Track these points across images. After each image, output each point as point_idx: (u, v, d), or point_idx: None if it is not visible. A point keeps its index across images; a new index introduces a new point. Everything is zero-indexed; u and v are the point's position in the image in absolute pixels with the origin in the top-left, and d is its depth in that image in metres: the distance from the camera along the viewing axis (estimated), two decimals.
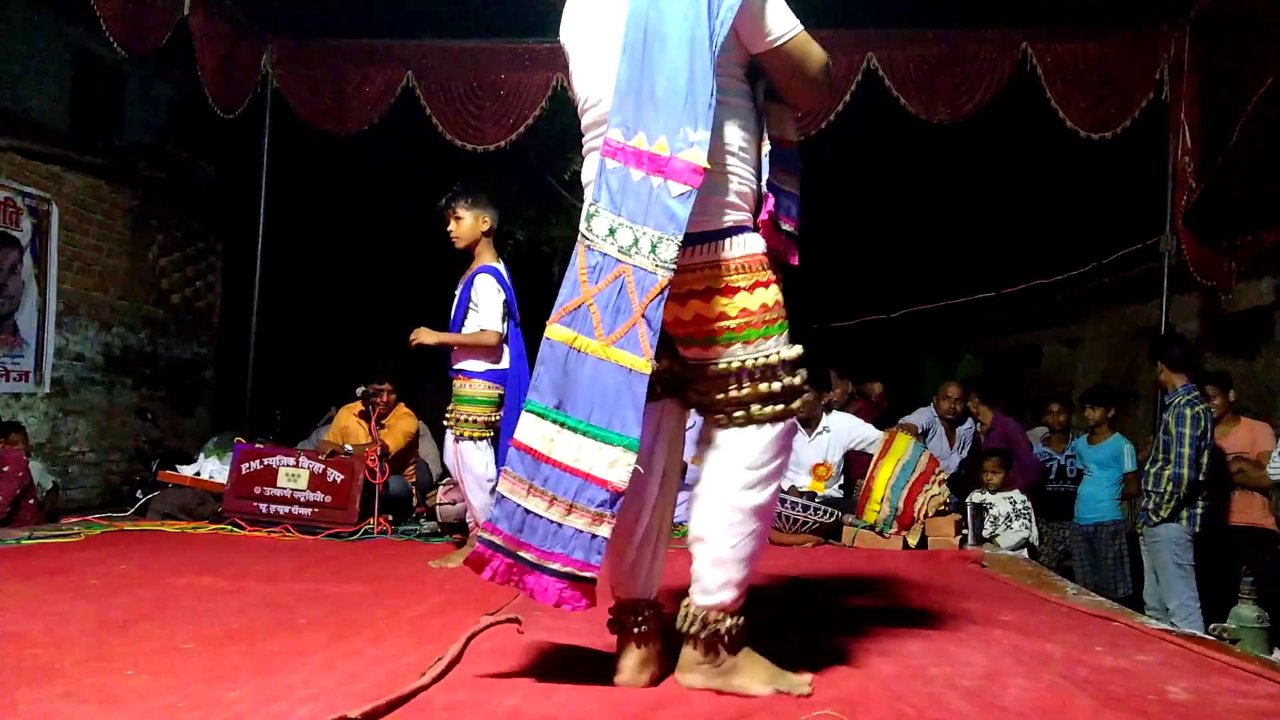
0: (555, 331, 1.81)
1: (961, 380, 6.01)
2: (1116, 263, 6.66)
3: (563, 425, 1.76)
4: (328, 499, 4.70)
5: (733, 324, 1.82)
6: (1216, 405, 4.60)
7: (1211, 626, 3.64)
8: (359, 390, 5.22)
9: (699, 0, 1.75)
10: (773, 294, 1.86)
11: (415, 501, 5.35)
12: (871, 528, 4.47)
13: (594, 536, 1.73)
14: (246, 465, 4.75)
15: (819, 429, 5.23)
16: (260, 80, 6.03)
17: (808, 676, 1.89)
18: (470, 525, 3.86)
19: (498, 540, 1.79)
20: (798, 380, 1.87)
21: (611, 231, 1.77)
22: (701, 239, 1.81)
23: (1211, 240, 5.24)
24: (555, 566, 1.75)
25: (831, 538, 4.70)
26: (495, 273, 3.76)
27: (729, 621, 1.85)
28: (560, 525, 1.74)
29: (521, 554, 1.77)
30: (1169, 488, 4.33)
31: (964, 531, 4.58)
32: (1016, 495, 5.01)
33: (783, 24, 1.83)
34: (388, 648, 2.24)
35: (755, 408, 1.84)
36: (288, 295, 7.51)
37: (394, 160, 7.92)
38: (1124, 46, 5.48)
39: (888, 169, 8.18)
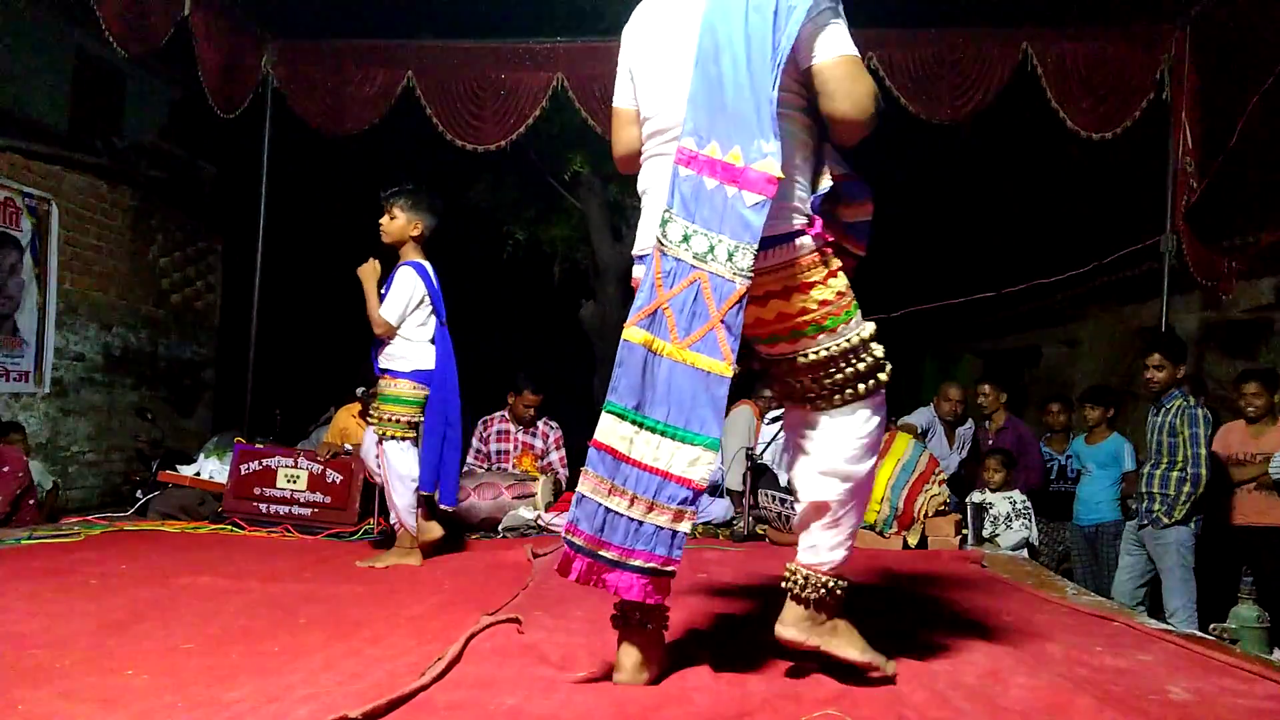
0: (633, 334, 1.84)
1: (988, 379, 6.00)
2: (1116, 263, 6.65)
3: (641, 425, 1.81)
4: (327, 499, 4.70)
5: (817, 315, 1.92)
6: (1259, 404, 4.54)
7: (1211, 626, 3.64)
8: (358, 391, 5.23)
9: (767, 15, 1.82)
10: (842, 280, 1.96)
11: None
12: (871, 528, 4.46)
13: (675, 533, 1.80)
14: (246, 466, 4.75)
15: None
16: (260, 80, 6.03)
17: (894, 662, 1.99)
18: (394, 524, 3.80)
19: (579, 541, 1.84)
20: (880, 352, 1.97)
21: (686, 238, 1.82)
22: (775, 242, 1.88)
23: (1211, 240, 5.24)
24: (637, 563, 1.81)
25: None
26: (420, 268, 3.76)
27: (835, 582, 1.96)
28: (641, 523, 1.80)
29: (602, 553, 1.83)
30: (1186, 489, 4.31)
31: (964, 531, 4.58)
32: (1016, 495, 5.01)
33: (835, 46, 1.87)
34: (388, 647, 2.24)
35: (856, 387, 1.94)
36: (288, 295, 7.51)
37: (394, 160, 7.92)
38: (1124, 46, 5.48)
39: (888, 168, 8.17)
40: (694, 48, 1.88)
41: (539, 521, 4.74)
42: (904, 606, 2.99)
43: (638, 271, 2.02)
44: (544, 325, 9.50)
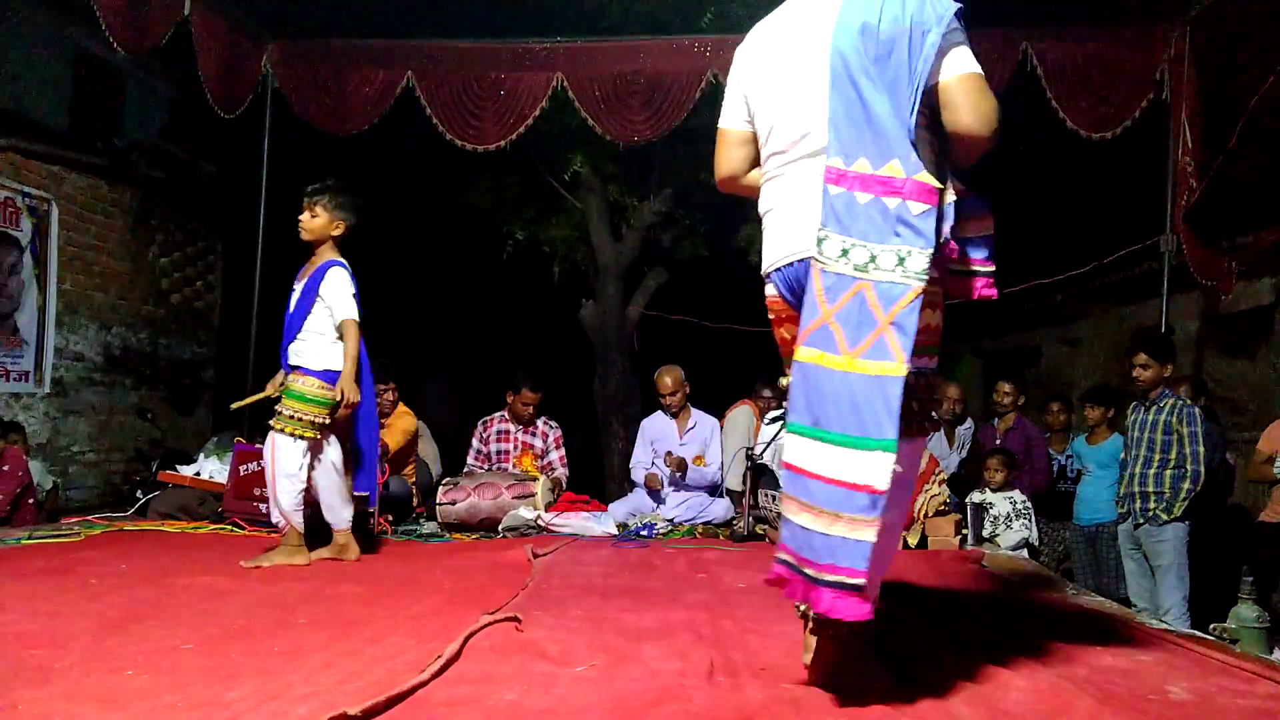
0: (802, 354, 1.89)
1: (1014, 379, 5.98)
2: (1116, 263, 6.65)
3: (820, 440, 1.84)
4: None
5: (935, 335, 2.00)
6: None
7: (1211, 626, 3.64)
8: None
9: (905, 32, 1.90)
10: (940, 314, 2.03)
11: (415, 501, 5.35)
12: None
13: (858, 542, 1.78)
14: (245, 466, 4.74)
15: None
16: (260, 80, 6.03)
17: None
18: (277, 522, 3.71)
19: (790, 559, 1.88)
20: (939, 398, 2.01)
21: (845, 252, 1.86)
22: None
23: (1211, 240, 5.24)
24: (829, 578, 1.80)
25: None
26: (346, 266, 3.76)
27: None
28: (828, 535, 1.81)
29: (806, 570, 1.84)
30: (1185, 486, 4.33)
31: (964, 531, 4.58)
32: (1017, 495, 5.01)
33: (963, 64, 1.95)
34: (387, 647, 2.24)
35: (931, 418, 2.02)
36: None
37: (394, 160, 7.92)
38: (1124, 46, 5.48)
39: None
40: (825, 72, 1.93)
41: (539, 521, 4.74)
42: (904, 607, 2.99)
43: (770, 291, 2.13)
44: (544, 325, 9.49)
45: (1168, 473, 4.37)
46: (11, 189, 6.21)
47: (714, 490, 5.43)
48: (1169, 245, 5.46)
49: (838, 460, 1.82)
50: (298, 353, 3.69)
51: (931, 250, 1.82)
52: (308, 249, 3.84)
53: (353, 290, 3.73)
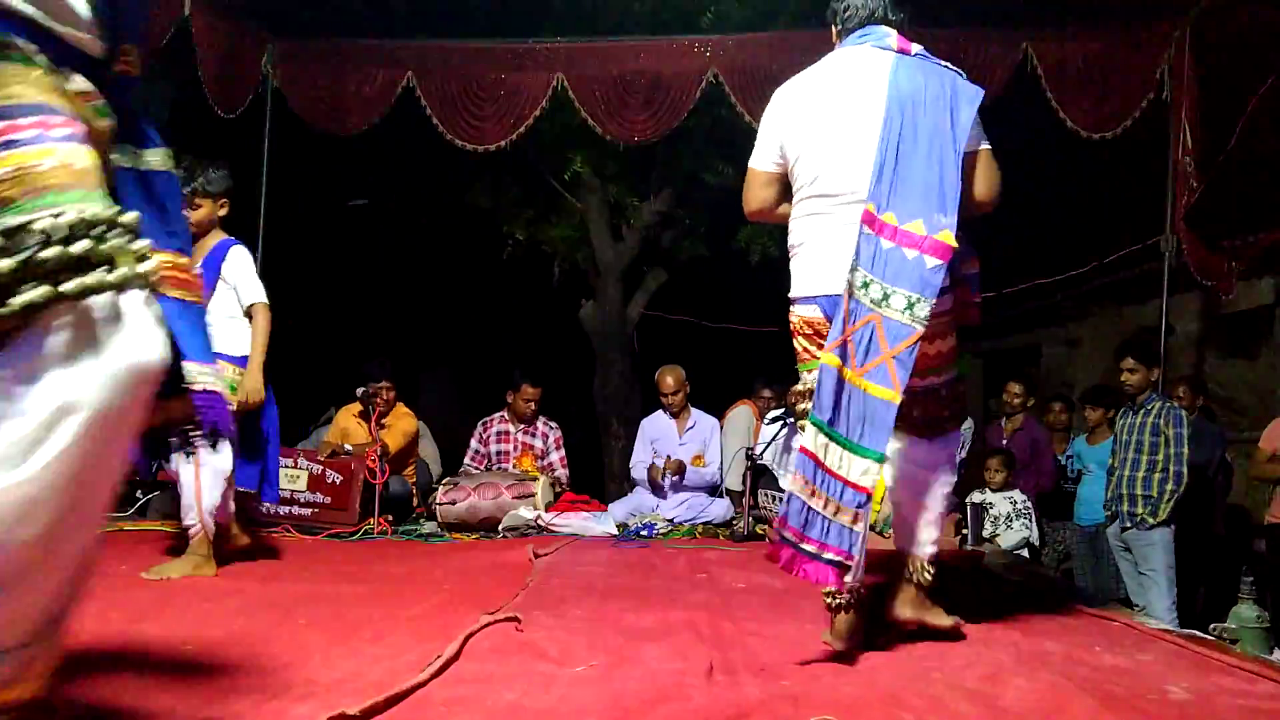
0: (828, 358, 2.21)
1: (1023, 380, 5.99)
2: (1116, 263, 6.66)
3: (831, 438, 2.18)
4: (327, 500, 4.70)
5: (950, 356, 2.47)
6: None
7: (1211, 626, 3.64)
8: (359, 391, 5.21)
9: (945, 109, 2.29)
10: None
11: (415, 501, 5.35)
12: (871, 528, 4.46)
13: (853, 531, 2.15)
14: None
15: None
16: (260, 80, 6.03)
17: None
18: (191, 526, 3.31)
19: (788, 534, 2.18)
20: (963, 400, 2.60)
21: (865, 285, 2.21)
22: (947, 290, 2.36)
23: (1211, 240, 5.24)
24: (829, 555, 2.16)
25: None
26: (243, 244, 3.58)
27: (933, 570, 2.46)
28: (831, 521, 2.16)
29: (803, 545, 2.17)
30: (1169, 488, 4.33)
31: (964, 531, 4.58)
32: (1017, 495, 5.01)
33: (983, 139, 2.42)
34: (387, 647, 2.24)
35: (960, 417, 2.56)
36: (287, 295, 7.50)
37: (394, 160, 7.92)
38: (1124, 46, 5.48)
39: None
40: (873, 128, 2.28)
41: (539, 521, 4.74)
42: None
43: (805, 311, 2.46)
44: (544, 325, 9.50)
45: (1156, 475, 4.39)
46: None
47: (714, 490, 5.43)
48: (1169, 245, 5.46)
49: (841, 458, 2.16)
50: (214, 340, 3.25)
51: (933, 302, 2.17)
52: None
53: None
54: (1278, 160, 4.39)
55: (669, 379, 5.47)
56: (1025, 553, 4.89)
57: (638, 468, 5.52)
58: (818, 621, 2.63)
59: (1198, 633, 2.81)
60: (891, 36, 2.44)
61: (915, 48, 2.42)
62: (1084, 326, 8.78)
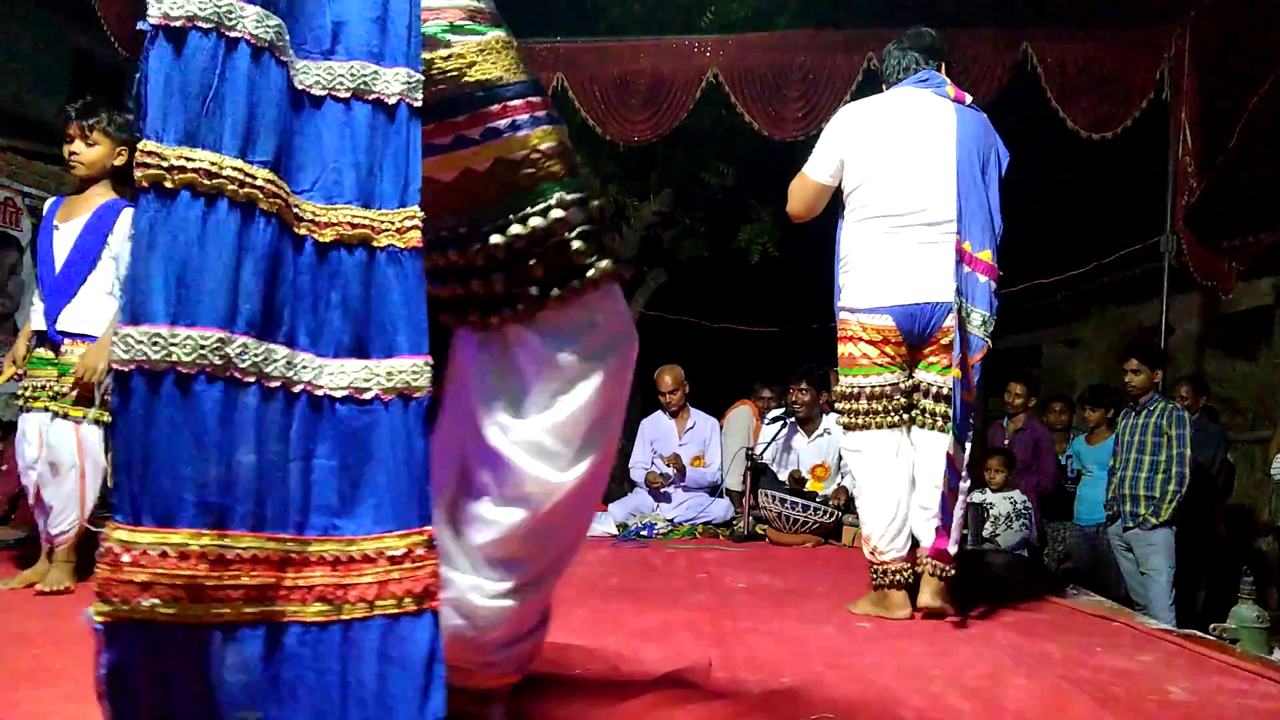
0: (952, 370, 2.72)
1: (1025, 381, 5.99)
2: (1116, 263, 6.66)
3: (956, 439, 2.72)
4: None
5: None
6: None
7: (1211, 626, 3.64)
8: None
9: (994, 158, 2.78)
10: None
11: None
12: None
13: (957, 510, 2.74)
14: None
15: (819, 430, 5.23)
16: None
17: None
18: (64, 532, 2.99)
19: (939, 524, 2.70)
20: None
21: (958, 291, 2.64)
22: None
23: (1211, 240, 5.24)
24: (947, 535, 2.70)
25: (831, 538, 4.70)
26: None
27: (950, 566, 2.70)
28: (945, 505, 2.68)
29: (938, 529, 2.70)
30: (1171, 488, 4.33)
31: (964, 531, 4.57)
32: (1017, 495, 5.00)
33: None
34: None
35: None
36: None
37: None
38: (1124, 46, 5.48)
39: None
40: (945, 166, 2.69)
41: None
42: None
43: (875, 320, 2.75)
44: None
45: (1159, 476, 4.38)
46: (11, 189, 6.21)
47: (714, 490, 5.43)
48: (1169, 245, 5.46)
49: (957, 452, 2.66)
50: (81, 318, 2.92)
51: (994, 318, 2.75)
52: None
53: None
54: (1278, 160, 4.39)
55: (667, 377, 5.47)
56: (1025, 553, 4.88)
57: (637, 468, 5.52)
58: (818, 621, 2.64)
59: (1198, 633, 2.81)
60: (948, 85, 2.82)
61: (967, 98, 2.82)
62: (1084, 326, 8.79)
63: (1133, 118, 5.41)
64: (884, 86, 3.03)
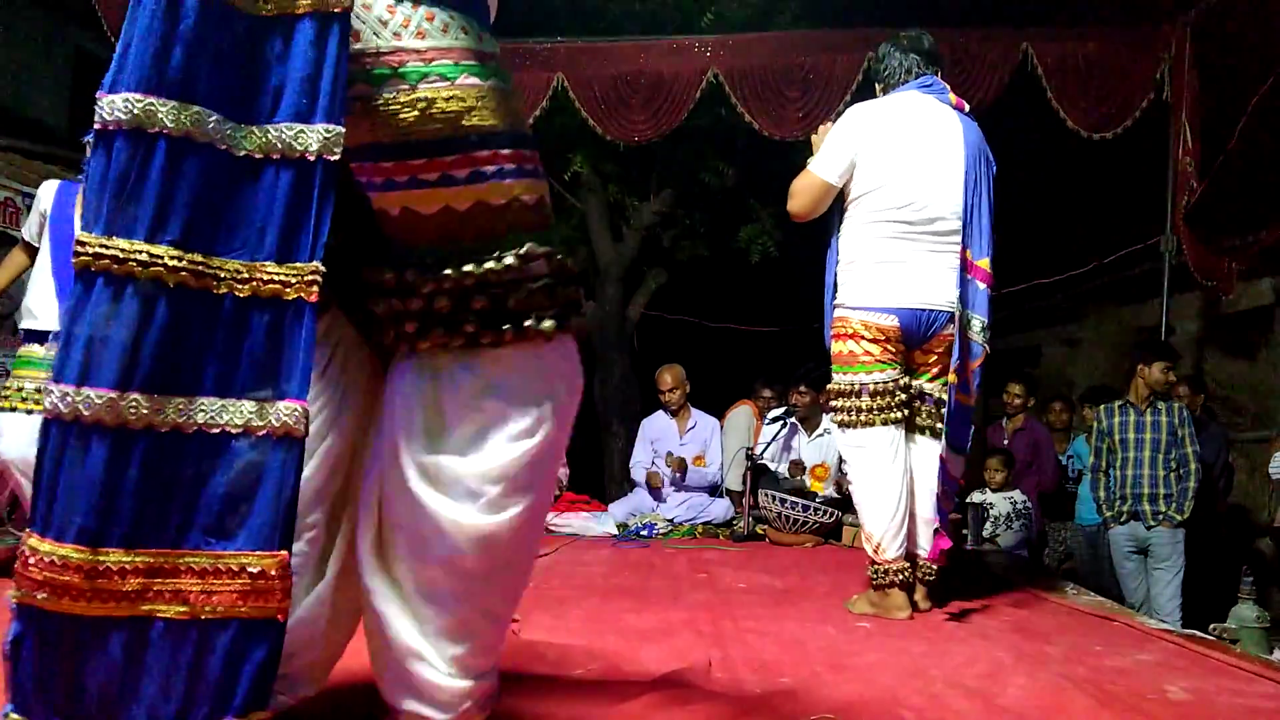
0: (948, 378, 2.83)
1: (1024, 381, 5.99)
2: (1117, 263, 6.65)
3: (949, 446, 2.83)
4: None
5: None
6: None
7: (1211, 626, 3.64)
8: None
9: (986, 168, 2.84)
10: None
11: None
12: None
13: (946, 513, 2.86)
14: None
15: (819, 430, 5.23)
16: None
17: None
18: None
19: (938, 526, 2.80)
20: None
21: (960, 299, 2.75)
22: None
23: (1211, 240, 5.24)
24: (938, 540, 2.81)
25: (831, 538, 4.70)
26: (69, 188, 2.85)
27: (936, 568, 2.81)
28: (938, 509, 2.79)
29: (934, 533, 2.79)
30: (1190, 485, 4.35)
31: (964, 532, 4.58)
32: (1017, 495, 5.00)
33: None
34: None
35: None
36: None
37: None
38: (1124, 46, 5.48)
39: None
40: (954, 174, 2.75)
41: None
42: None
43: (880, 320, 2.78)
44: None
45: (1174, 474, 4.38)
46: (11, 189, 6.21)
47: (714, 490, 5.43)
48: (1169, 245, 5.46)
49: (953, 460, 2.76)
50: (30, 313, 2.97)
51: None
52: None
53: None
54: (1278, 160, 4.38)
55: (667, 376, 5.48)
56: (1025, 553, 4.89)
57: (637, 468, 5.52)
58: (818, 621, 2.64)
59: (1198, 633, 2.81)
60: (949, 93, 2.88)
61: (965, 106, 2.91)
62: (1084, 326, 8.78)
63: (1133, 118, 5.41)
64: (879, 87, 3.02)
